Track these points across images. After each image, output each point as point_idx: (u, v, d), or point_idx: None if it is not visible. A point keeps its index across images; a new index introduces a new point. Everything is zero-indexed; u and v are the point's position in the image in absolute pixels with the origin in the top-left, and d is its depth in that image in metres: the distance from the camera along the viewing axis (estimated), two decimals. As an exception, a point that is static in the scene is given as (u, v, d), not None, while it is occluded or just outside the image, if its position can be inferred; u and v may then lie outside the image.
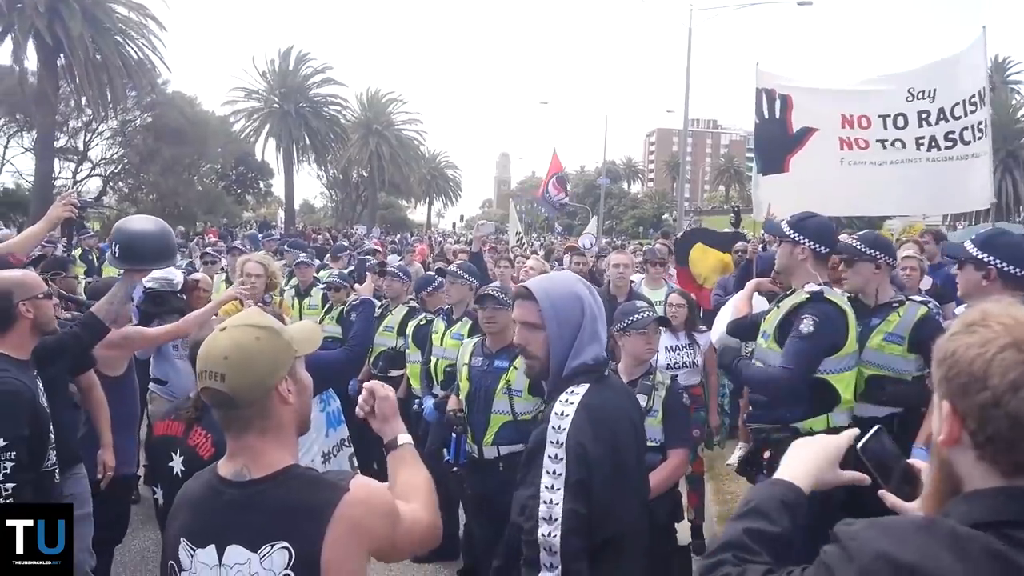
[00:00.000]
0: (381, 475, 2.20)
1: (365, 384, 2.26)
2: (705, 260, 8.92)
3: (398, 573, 5.50)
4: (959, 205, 8.21)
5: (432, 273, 7.40)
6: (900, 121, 7.03)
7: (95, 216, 40.52)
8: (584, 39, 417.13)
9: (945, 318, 4.65)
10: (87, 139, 41.29)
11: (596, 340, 2.57)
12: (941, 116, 6.86)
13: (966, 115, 6.77)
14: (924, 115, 6.92)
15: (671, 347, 5.96)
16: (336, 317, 7.67)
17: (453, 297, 5.89)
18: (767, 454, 3.79)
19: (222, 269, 9.82)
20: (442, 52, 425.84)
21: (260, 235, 17.35)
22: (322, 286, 8.41)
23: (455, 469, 4.60)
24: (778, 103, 7.64)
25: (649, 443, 3.60)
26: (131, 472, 4.83)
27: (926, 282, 6.20)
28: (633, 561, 2.56)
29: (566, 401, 2.46)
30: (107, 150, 42.57)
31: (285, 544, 1.74)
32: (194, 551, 1.83)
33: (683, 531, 4.78)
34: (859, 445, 1.58)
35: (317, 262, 11.07)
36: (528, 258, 10.32)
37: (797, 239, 3.85)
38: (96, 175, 42.87)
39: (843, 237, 5.52)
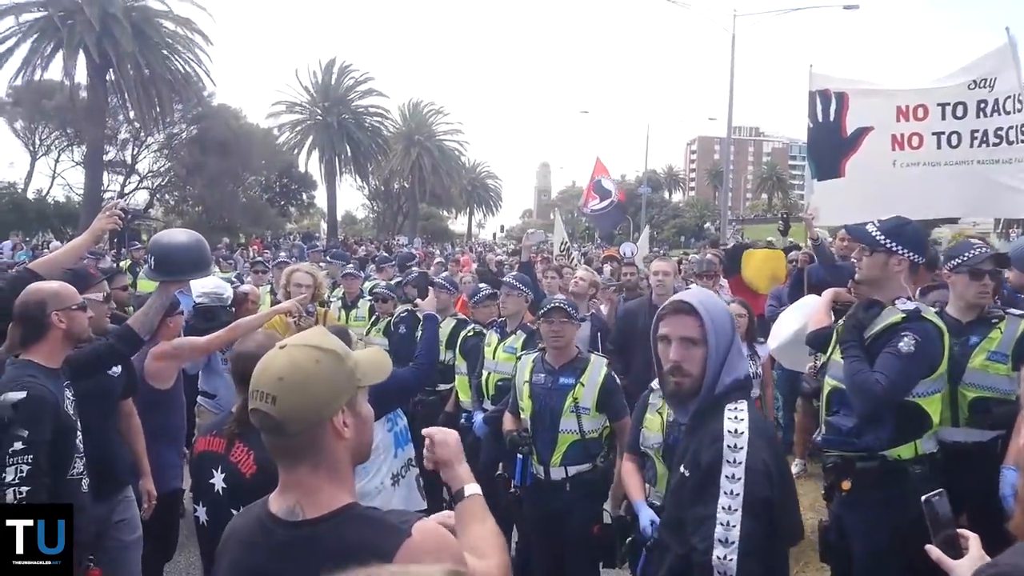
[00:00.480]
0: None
1: (425, 432, 2.11)
2: (756, 264, 8.72)
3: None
4: (1011, 211, 7.88)
5: (482, 284, 7.27)
6: (960, 110, 6.75)
7: (146, 228, 41.47)
8: (625, 47, 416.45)
9: None
10: (135, 152, 42.30)
11: (743, 355, 2.55)
12: (996, 108, 6.60)
13: (1015, 112, 6.52)
14: (983, 105, 6.65)
15: None
16: (383, 329, 7.58)
17: (508, 309, 5.73)
18: (846, 485, 3.51)
19: (268, 282, 9.81)
20: (482, 62, 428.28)
21: (305, 246, 17.45)
22: (368, 298, 8.33)
23: (514, 491, 4.43)
24: (833, 104, 7.40)
25: None
26: (178, 487, 4.77)
27: None
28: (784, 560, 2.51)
29: (736, 419, 2.38)
30: (154, 163, 43.60)
31: None
32: None
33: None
34: (923, 498, 1.89)
35: (362, 274, 11.02)
36: (575, 269, 10.13)
37: (894, 248, 3.50)
38: (144, 188, 43.81)
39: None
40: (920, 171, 6.94)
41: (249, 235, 44.11)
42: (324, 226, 59.02)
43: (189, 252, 4.08)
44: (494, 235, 75.56)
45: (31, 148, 41.18)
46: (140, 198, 43.28)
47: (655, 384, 3.80)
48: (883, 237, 3.52)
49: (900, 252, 3.50)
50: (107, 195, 38.38)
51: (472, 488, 2.01)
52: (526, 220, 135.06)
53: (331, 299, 8.53)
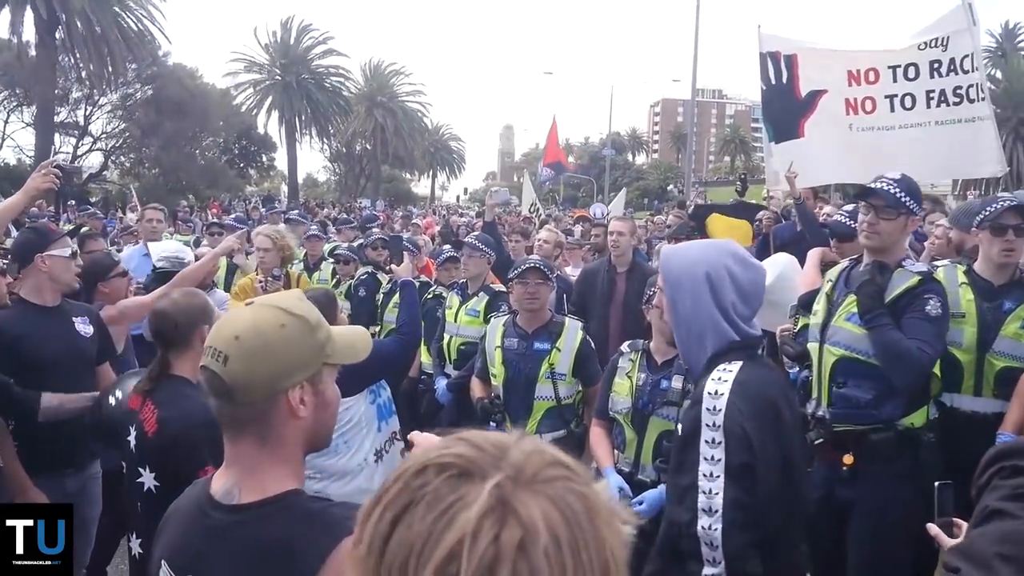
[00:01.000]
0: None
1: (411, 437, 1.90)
2: (722, 228, 8.70)
3: None
4: (970, 171, 7.86)
5: (444, 246, 7.16)
6: (911, 72, 6.67)
7: (101, 191, 40.45)
8: (589, 7, 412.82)
9: None
10: (88, 113, 41.02)
11: (738, 314, 2.35)
12: (952, 68, 6.52)
13: (973, 70, 6.47)
14: (936, 65, 6.55)
15: None
16: (344, 292, 7.45)
17: (471, 271, 5.57)
18: (849, 460, 3.27)
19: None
20: (445, 22, 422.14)
21: (264, 210, 17.13)
22: (330, 260, 8.17)
23: None
24: (784, 66, 7.35)
25: None
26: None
27: None
28: (795, 550, 2.37)
29: (719, 379, 2.24)
30: (108, 124, 42.34)
31: None
32: None
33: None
34: (937, 484, 2.06)
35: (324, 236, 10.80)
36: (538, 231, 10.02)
37: (914, 209, 3.31)
38: (97, 149, 42.64)
39: (829, 210, 5.23)
40: (875, 135, 6.89)
41: (207, 198, 43.32)
42: (285, 189, 58.19)
43: None
44: (457, 197, 75.16)
45: (-22, 109, 39.88)
46: (94, 160, 42.22)
47: (625, 347, 3.74)
48: (906, 197, 3.28)
49: (916, 212, 3.36)
50: (59, 157, 37.38)
51: None
52: (490, 183, 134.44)
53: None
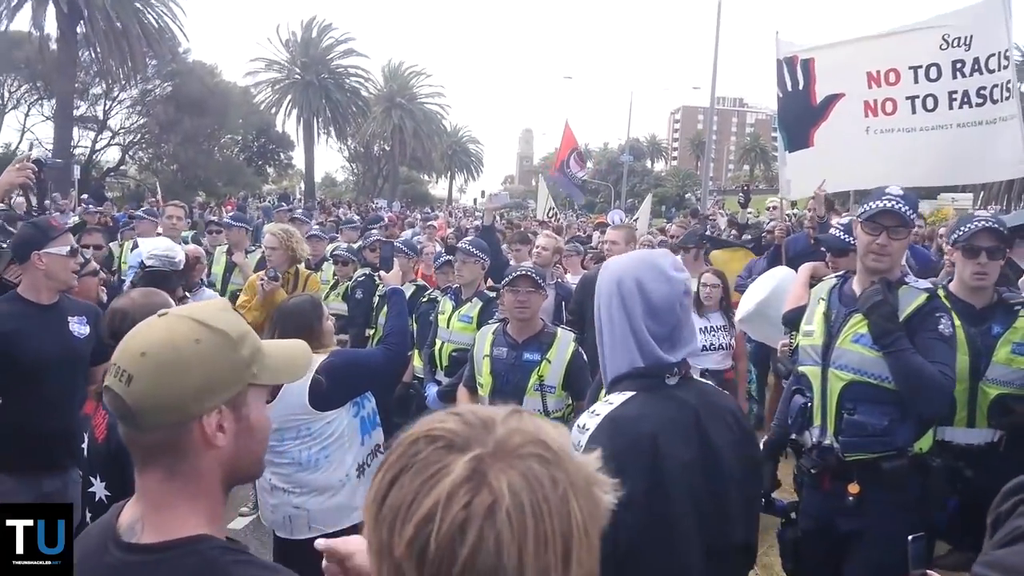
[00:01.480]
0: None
1: (322, 545, 1.38)
2: (721, 259, 8.54)
3: None
4: (990, 174, 7.63)
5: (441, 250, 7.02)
6: (933, 72, 6.47)
7: (119, 186, 40.64)
8: (610, 13, 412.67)
9: None
10: (107, 107, 41.20)
11: (658, 334, 2.08)
12: (976, 67, 6.32)
13: (999, 69, 6.25)
14: (959, 65, 6.36)
15: (705, 328, 5.57)
16: (342, 294, 7.33)
17: (464, 277, 5.38)
18: (855, 489, 3.06)
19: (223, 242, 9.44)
20: (466, 25, 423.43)
21: (274, 208, 17.06)
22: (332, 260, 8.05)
23: None
24: (800, 71, 7.18)
25: None
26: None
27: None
28: None
29: (593, 412, 2.02)
30: (127, 119, 42.51)
31: None
32: None
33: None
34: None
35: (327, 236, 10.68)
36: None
37: (916, 223, 3.17)
38: (115, 144, 42.86)
39: (837, 221, 5.05)
40: (895, 137, 6.71)
41: (224, 195, 43.42)
42: (302, 187, 58.35)
43: None
44: (475, 200, 75.16)
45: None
46: (112, 155, 42.45)
47: None
48: (913, 213, 3.12)
49: (918, 226, 3.19)
50: (77, 151, 37.61)
51: None
52: (508, 186, 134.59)
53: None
